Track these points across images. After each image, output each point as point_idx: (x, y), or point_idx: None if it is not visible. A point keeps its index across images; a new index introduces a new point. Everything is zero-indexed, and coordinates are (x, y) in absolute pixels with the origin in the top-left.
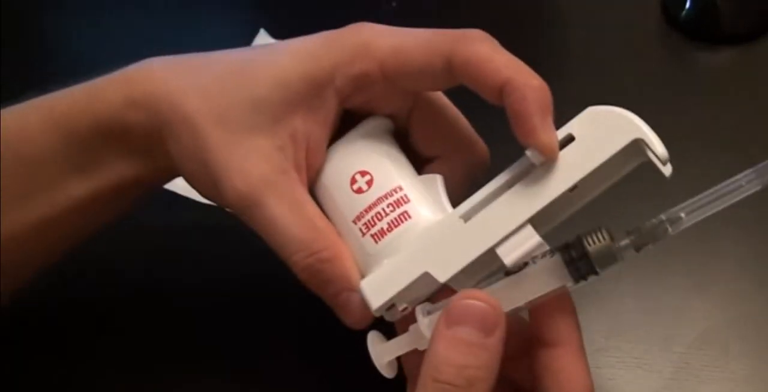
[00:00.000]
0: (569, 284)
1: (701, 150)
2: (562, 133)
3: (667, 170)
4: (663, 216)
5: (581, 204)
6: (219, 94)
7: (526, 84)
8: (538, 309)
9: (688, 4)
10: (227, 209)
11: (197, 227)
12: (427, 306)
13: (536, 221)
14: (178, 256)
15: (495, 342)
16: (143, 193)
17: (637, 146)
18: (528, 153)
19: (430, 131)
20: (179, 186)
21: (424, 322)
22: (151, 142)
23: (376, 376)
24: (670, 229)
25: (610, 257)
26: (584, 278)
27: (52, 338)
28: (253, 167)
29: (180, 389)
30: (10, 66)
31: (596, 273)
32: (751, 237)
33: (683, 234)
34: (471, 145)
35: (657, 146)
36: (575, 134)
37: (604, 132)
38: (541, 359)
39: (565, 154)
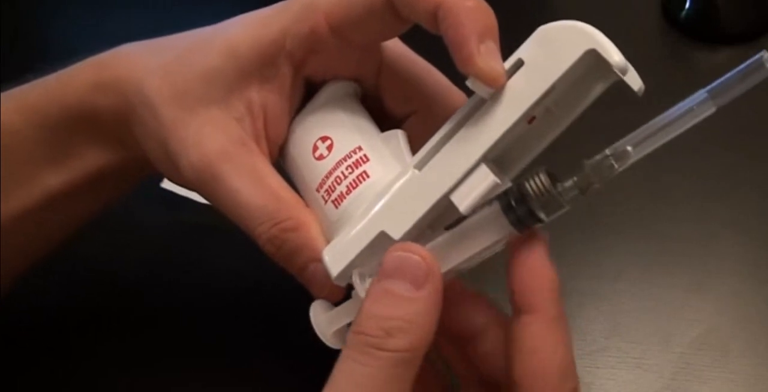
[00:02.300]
0: (513, 234)
1: (702, 150)
2: (512, 60)
3: (635, 83)
4: (607, 151)
5: (551, 137)
6: (177, 71)
7: (459, 5)
8: (512, 272)
9: (688, 4)
10: (188, 187)
11: (197, 227)
12: (367, 269)
13: (499, 162)
14: (178, 256)
15: (425, 295)
16: (124, 185)
17: (595, 60)
18: (469, 84)
19: (401, 87)
20: (179, 186)
21: (362, 286)
22: (121, 127)
23: None
24: (616, 165)
25: (551, 200)
26: (528, 227)
27: (53, 338)
28: (209, 140)
29: (181, 388)
30: (10, 66)
31: (540, 220)
32: (751, 238)
33: (683, 235)
34: (446, 94)
35: (613, 54)
36: (524, 58)
37: (553, 50)
38: (512, 329)
39: (513, 81)
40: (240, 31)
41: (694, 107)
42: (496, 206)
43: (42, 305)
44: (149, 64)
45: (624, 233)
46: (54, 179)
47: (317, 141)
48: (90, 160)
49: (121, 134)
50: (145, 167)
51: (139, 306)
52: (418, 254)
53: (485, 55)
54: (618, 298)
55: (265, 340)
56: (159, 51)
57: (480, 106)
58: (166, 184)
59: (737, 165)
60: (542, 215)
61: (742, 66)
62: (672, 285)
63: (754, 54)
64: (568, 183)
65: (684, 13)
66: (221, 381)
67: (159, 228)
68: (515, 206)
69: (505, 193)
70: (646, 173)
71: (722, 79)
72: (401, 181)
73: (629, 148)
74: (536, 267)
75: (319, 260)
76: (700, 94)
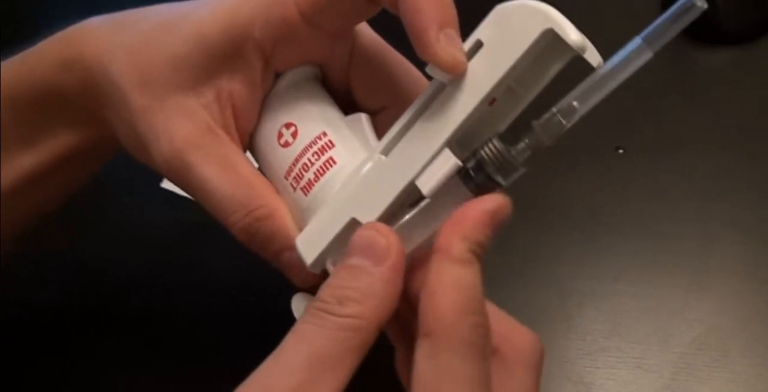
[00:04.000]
0: None
1: (701, 149)
2: (471, 41)
3: (594, 59)
4: (554, 109)
5: (513, 115)
6: (143, 53)
7: None
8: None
9: None
10: (161, 175)
11: (197, 227)
12: (340, 255)
13: (462, 143)
14: (178, 256)
15: (384, 271)
16: (97, 162)
17: (553, 38)
18: (428, 71)
19: (373, 80)
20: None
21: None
22: (88, 106)
23: (377, 372)
24: (564, 122)
25: (506, 164)
26: (487, 193)
27: (53, 337)
28: (177, 128)
29: (180, 386)
30: None
31: (498, 184)
32: (751, 237)
33: (683, 235)
34: (420, 88)
35: (570, 33)
36: (483, 39)
37: (511, 30)
38: None
39: (473, 64)
40: (208, 16)
41: (631, 55)
42: (455, 177)
43: (41, 304)
44: (113, 42)
45: (624, 233)
46: (28, 159)
47: (281, 128)
48: (61, 140)
49: (89, 112)
50: (116, 144)
51: (138, 306)
52: (380, 232)
53: (445, 43)
54: (618, 298)
55: (263, 339)
56: (124, 27)
57: (441, 91)
58: (166, 184)
59: (736, 164)
60: (499, 179)
61: (673, 8)
62: (672, 285)
63: (754, 54)
64: (521, 145)
65: None
66: (220, 379)
67: (159, 228)
68: (473, 175)
69: (463, 162)
70: (646, 173)
71: (654, 23)
72: (368, 168)
73: (575, 103)
74: (459, 213)
75: (293, 248)
76: (635, 41)
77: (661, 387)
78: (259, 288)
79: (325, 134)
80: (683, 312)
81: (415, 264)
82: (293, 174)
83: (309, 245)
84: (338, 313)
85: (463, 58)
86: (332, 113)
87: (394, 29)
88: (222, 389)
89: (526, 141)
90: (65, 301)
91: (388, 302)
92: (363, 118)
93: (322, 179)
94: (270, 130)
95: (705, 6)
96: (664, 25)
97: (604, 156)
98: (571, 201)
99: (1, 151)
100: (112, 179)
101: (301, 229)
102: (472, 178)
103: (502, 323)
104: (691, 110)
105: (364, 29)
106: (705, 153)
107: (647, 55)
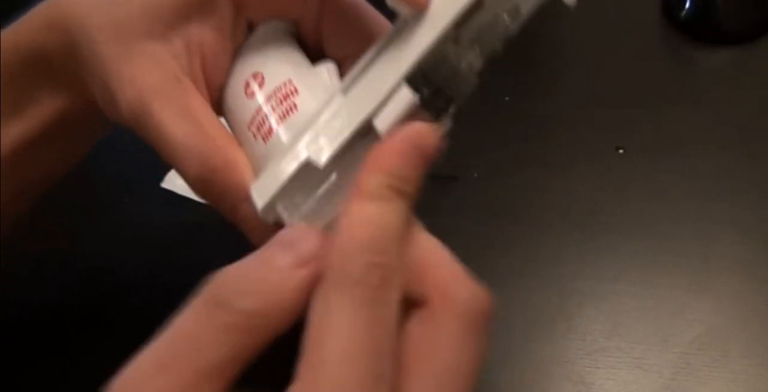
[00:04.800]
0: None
1: (701, 149)
2: None
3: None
4: (498, 10)
5: (484, 58)
6: (120, 7)
7: None
8: None
9: (688, 4)
10: (128, 125)
11: (197, 227)
12: (298, 200)
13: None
14: (178, 256)
15: (304, 274)
16: (87, 135)
17: None
18: (388, 3)
19: (344, 31)
20: (179, 186)
21: (291, 218)
22: (69, 68)
23: None
24: (507, 19)
25: (459, 76)
26: (444, 110)
27: (53, 336)
28: (144, 75)
29: None
30: None
31: (450, 98)
32: (751, 237)
33: (683, 235)
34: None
35: None
36: None
37: None
38: None
39: None
40: None
41: None
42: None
43: (42, 303)
44: (93, 0)
45: (624, 233)
46: (18, 130)
47: (249, 78)
48: (47, 106)
49: (71, 74)
50: (101, 113)
51: (138, 306)
52: (313, 236)
53: None
54: (618, 298)
55: None
56: None
57: (404, 28)
58: (166, 184)
59: (736, 164)
60: (449, 91)
61: None
62: (672, 285)
63: (754, 54)
64: (471, 54)
65: (684, 13)
66: None
67: (159, 228)
68: (425, 93)
69: (411, 82)
70: (646, 173)
71: None
72: (327, 108)
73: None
74: (378, 146)
75: (249, 200)
76: None
77: (661, 387)
78: None
79: (290, 81)
80: (683, 312)
81: None
82: (256, 122)
83: (262, 190)
84: (229, 308)
85: None
86: (299, 62)
87: None
88: None
89: (475, 48)
90: (65, 300)
91: (289, 311)
92: (330, 65)
93: (283, 125)
94: (238, 81)
95: None
96: None
97: (604, 156)
98: (571, 201)
99: None
100: (112, 179)
101: None
102: (424, 98)
103: (442, 272)
104: (691, 110)
105: None
106: (705, 153)
107: None
